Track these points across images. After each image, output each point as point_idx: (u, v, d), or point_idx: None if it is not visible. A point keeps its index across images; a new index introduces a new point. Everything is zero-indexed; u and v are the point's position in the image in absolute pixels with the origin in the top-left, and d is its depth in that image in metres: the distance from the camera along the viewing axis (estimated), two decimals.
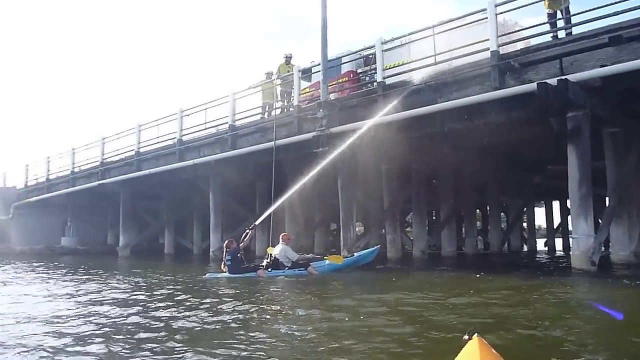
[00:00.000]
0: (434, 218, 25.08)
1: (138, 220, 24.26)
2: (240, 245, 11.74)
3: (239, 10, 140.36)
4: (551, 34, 11.14)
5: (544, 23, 11.43)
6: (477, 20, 12.36)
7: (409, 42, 13.58)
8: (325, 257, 12.35)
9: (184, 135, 19.37)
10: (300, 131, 14.86)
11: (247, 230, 12.34)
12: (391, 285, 9.42)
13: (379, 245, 13.41)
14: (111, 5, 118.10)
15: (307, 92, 16.54)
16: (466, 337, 2.63)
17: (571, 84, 9.65)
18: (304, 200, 20.95)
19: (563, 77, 9.71)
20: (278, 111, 16.74)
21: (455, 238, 18.27)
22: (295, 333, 4.90)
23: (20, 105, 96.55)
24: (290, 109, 16.16)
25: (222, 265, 11.50)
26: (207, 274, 11.41)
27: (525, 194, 22.97)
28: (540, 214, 29.58)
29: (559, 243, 27.54)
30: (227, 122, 17.44)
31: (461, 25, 12.58)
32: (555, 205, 28.04)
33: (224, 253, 11.51)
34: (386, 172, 16.35)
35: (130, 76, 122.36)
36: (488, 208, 24.70)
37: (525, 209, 24.17)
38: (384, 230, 18.93)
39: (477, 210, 24.31)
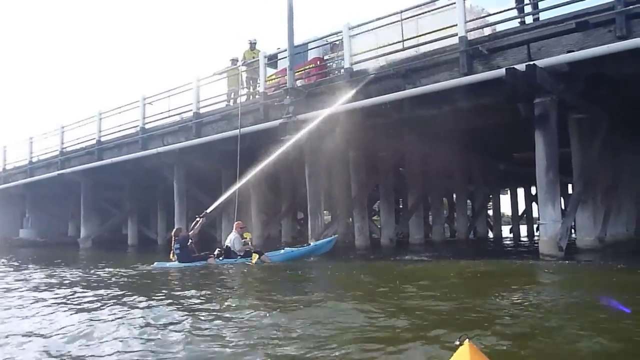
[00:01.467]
0: (400, 206, 25.16)
1: (100, 210, 23.61)
2: (190, 233, 11.50)
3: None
4: (519, 20, 11.09)
5: (511, 8, 11.39)
6: (444, 6, 12.29)
7: (377, 28, 13.39)
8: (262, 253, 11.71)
9: (147, 123, 18.84)
10: (267, 118, 14.59)
11: (197, 218, 12.10)
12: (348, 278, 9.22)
13: (337, 235, 13.26)
14: None
15: (274, 79, 16.25)
16: (457, 342, 2.54)
17: (539, 70, 9.63)
18: (271, 189, 20.82)
19: (531, 63, 9.67)
20: (244, 98, 16.40)
21: (422, 225, 18.31)
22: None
23: None
24: (257, 96, 15.86)
25: (171, 255, 11.22)
26: (155, 264, 11.12)
27: (490, 181, 23.23)
28: (505, 201, 30.03)
29: (523, 230, 28.03)
30: (191, 110, 17.02)
31: (428, 11, 12.48)
32: (520, 192, 28.44)
33: (173, 242, 11.22)
34: (354, 159, 16.22)
35: (92, 62, 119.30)
36: (454, 195, 24.92)
37: (490, 196, 24.44)
38: (351, 219, 18.88)
39: (444, 198, 24.46)
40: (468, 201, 24.43)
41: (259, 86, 15.62)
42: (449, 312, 5.10)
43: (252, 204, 19.83)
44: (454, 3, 11.33)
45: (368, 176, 16.95)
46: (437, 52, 11.53)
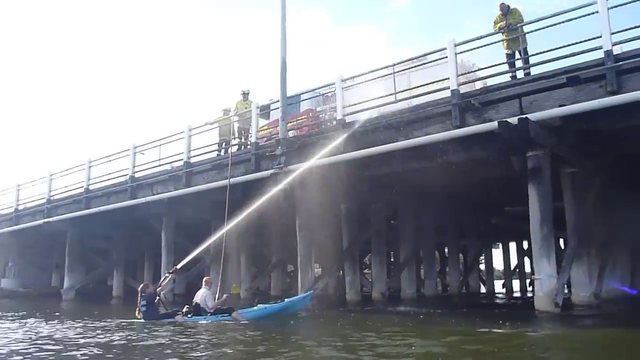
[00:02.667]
0: (392, 260, 24.83)
1: (86, 260, 23.06)
2: (158, 289, 11.10)
3: (198, 46, 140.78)
4: (510, 74, 11.19)
5: (502, 63, 11.52)
6: (436, 60, 12.45)
7: (369, 80, 13.49)
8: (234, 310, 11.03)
9: (137, 172, 18.65)
10: (258, 169, 14.47)
11: (167, 274, 11.74)
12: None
13: (312, 291, 12.70)
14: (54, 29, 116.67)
15: (266, 130, 16.24)
16: None
17: (532, 123, 9.61)
18: (261, 241, 20.51)
19: (523, 116, 9.67)
20: (235, 148, 16.32)
21: (415, 279, 17.98)
22: None
23: None
24: (248, 146, 15.78)
25: (137, 312, 10.77)
26: (122, 322, 10.62)
27: (483, 235, 23.06)
28: (497, 256, 29.77)
29: (516, 284, 27.66)
30: (182, 159, 16.89)
31: (421, 64, 12.61)
32: (512, 246, 28.23)
33: (139, 298, 10.80)
34: (345, 212, 16.03)
35: (82, 108, 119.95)
36: (446, 249, 24.69)
37: (483, 250, 24.22)
38: (341, 272, 18.52)
39: (436, 251, 24.21)
40: (460, 255, 24.20)
41: (250, 136, 15.56)
42: None
43: (241, 256, 19.51)
44: (446, 57, 11.45)
45: (360, 229, 16.71)
46: (430, 105, 11.55)
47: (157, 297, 10.97)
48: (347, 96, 13.42)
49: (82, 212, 20.13)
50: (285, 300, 11.75)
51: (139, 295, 10.82)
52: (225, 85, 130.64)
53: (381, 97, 12.55)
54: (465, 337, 7.60)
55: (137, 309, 10.77)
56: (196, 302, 10.95)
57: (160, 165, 18.07)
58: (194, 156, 16.93)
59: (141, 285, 11.15)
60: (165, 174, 17.65)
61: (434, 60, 12.62)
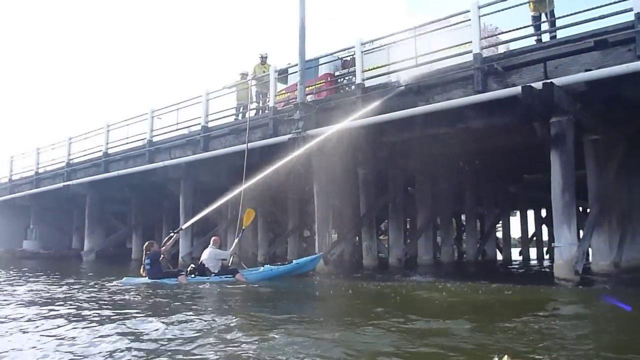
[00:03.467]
0: (408, 226, 24.82)
1: (105, 224, 23.40)
2: (162, 249, 11.16)
3: (217, 8, 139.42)
4: (535, 38, 10.89)
5: (527, 26, 11.18)
6: (458, 23, 12.15)
7: (389, 45, 13.26)
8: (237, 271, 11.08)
9: (154, 136, 18.71)
10: (276, 133, 14.38)
11: (172, 233, 11.79)
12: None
13: (322, 253, 12.72)
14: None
15: (284, 95, 16.12)
16: (496, 358, 2.36)
17: (556, 88, 9.38)
18: (278, 206, 20.60)
19: (548, 81, 9.44)
20: (253, 112, 16.24)
21: (431, 246, 17.98)
22: None
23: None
24: (266, 111, 15.70)
25: (142, 270, 10.88)
26: (124, 279, 10.78)
27: (500, 203, 22.90)
28: (514, 224, 29.62)
29: (533, 253, 27.59)
30: (199, 123, 16.86)
31: (442, 27, 12.32)
32: (530, 214, 28.07)
33: (144, 256, 10.90)
34: (363, 177, 15.96)
35: (101, 73, 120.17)
36: (463, 217, 24.59)
37: (500, 218, 24.09)
38: (357, 238, 18.56)
39: (453, 218, 24.13)
40: (477, 223, 24.10)
41: (268, 101, 15.45)
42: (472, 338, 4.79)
43: (258, 221, 19.61)
44: (469, 20, 11.17)
45: (377, 195, 16.67)
46: (451, 69, 11.32)
47: (162, 256, 11.04)
48: (367, 60, 13.23)
49: (100, 175, 20.34)
50: (293, 261, 11.74)
51: (144, 253, 10.92)
52: (244, 49, 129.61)
53: (402, 60, 12.31)
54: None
55: (142, 266, 10.89)
56: (201, 262, 10.99)
57: (178, 130, 18.09)
58: (212, 120, 16.87)
59: (146, 244, 11.20)
60: (183, 139, 17.67)
61: (456, 23, 12.31)
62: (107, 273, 12.81)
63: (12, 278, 12.15)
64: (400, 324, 5.44)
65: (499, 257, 24.38)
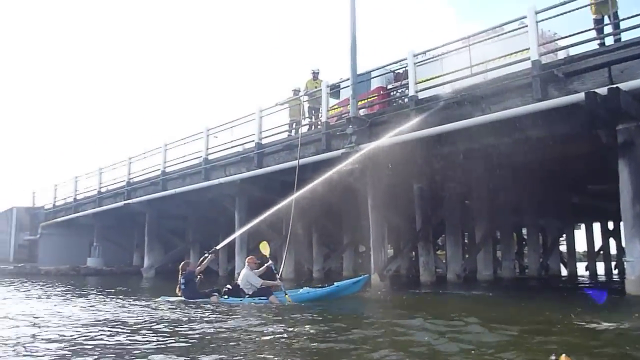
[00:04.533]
0: (466, 241, 24.18)
1: (164, 240, 23.92)
2: (197, 268, 11.12)
3: (268, 26, 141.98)
4: (598, 42, 10.37)
5: (589, 29, 10.66)
6: (514, 30, 11.77)
7: (442, 55, 13.00)
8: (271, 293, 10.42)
9: (210, 154, 19.02)
10: (329, 148, 14.29)
11: (206, 254, 11.71)
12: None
13: (367, 275, 12.08)
14: (130, 18, 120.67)
15: (336, 110, 16.05)
16: (553, 357, 2.21)
17: (623, 93, 8.87)
18: (332, 221, 20.47)
19: (614, 86, 8.94)
20: (305, 128, 16.24)
21: (491, 261, 17.39)
22: None
23: (50, 125, 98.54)
24: (319, 126, 15.66)
25: (177, 289, 10.86)
26: (160, 297, 10.84)
27: (563, 215, 22.00)
28: (578, 237, 28.39)
29: (600, 267, 26.29)
30: (253, 140, 17.00)
31: (497, 35, 11.97)
32: (596, 227, 26.82)
33: (180, 276, 10.90)
34: (418, 191, 15.63)
35: (157, 95, 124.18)
36: (524, 230, 23.77)
37: (564, 230, 23.14)
38: (413, 253, 18.18)
39: (513, 232, 23.33)
40: (539, 236, 23.21)
41: (321, 116, 15.41)
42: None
43: (313, 236, 19.56)
44: (525, 26, 10.79)
45: (433, 209, 16.28)
46: (508, 78, 10.94)
47: (198, 277, 10.99)
48: (420, 72, 12.99)
49: (159, 193, 20.81)
50: (335, 284, 11.02)
51: (180, 273, 10.95)
52: (295, 66, 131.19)
53: (456, 71, 12.01)
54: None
55: (178, 286, 10.92)
56: (236, 283, 10.79)
57: (232, 147, 18.31)
58: (265, 137, 16.98)
59: (182, 263, 11.23)
60: (237, 156, 17.87)
61: (511, 30, 11.94)
62: (163, 289, 12.96)
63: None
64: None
65: (564, 272, 23.36)
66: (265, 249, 11.28)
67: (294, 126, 16.78)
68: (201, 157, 19.14)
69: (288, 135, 16.82)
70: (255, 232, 19.30)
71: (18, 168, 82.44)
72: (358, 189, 14.17)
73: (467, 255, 19.09)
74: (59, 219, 27.82)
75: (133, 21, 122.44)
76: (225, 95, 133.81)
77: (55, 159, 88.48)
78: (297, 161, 14.29)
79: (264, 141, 16.89)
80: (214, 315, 8.21)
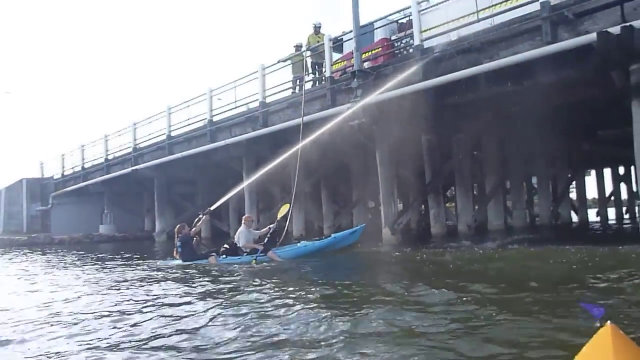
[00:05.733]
0: (475, 192, 24.02)
1: (174, 205, 24.04)
2: (192, 230, 11.13)
3: None
4: None
5: None
6: None
7: (447, 1, 12.58)
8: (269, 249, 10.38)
9: (214, 115, 18.85)
10: (334, 104, 14.07)
11: (200, 215, 11.72)
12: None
13: (364, 225, 11.87)
14: None
15: (340, 64, 15.72)
16: (597, 324, 2.11)
17: (637, 32, 8.56)
18: (340, 178, 20.37)
19: (627, 24, 8.63)
20: (309, 84, 15.97)
21: (502, 211, 17.29)
22: None
23: (53, 93, 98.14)
24: (322, 81, 15.39)
25: (175, 252, 10.91)
26: (159, 262, 10.95)
27: (573, 162, 21.76)
28: (589, 184, 28.15)
29: (611, 213, 26.13)
30: (257, 100, 16.78)
31: None
32: (607, 173, 26.54)
33: (175, 238, 10.91)
34: (427, 144, 15.43)
35: (158, 57, 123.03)
36: (534, 179, 23.56)
37: (574, 178, 22.92)
38: (423, 206, 18.09)
39: (523, 181, 23.14)
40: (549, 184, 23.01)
41: (324, 71, 15.12)
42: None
43: (322, 193, 19.50)
44: None
45: (442, 161, 16.10)
46: (516, 21, 10.59)
47: (195, 238, 11.04)
48: (424, 21, 12.62)
49: (166, 158, 20.76)
50: (332, 235, 11.03)
51: (176, 236, 10.97)
52: (297, 22, 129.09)
53: (461, 17, 11.64)
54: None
55: (175, 249, 10.95)
56: (234, 242, 10.78)
57: (236, 107, 18.12)
58: (269, 95, 16.75)
59: (177, 226, 11.27)
60: (242, 116, 17.68)
61: None
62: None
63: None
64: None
65: (575, 219, 23.25)
66: (282, 211, 11.34)
67: (297, 83, 16.52)
68: (206, 119, 18.97)
69: (292, 92, 16.57)
70: (264, 192, 19.34)
71: (25, 139, 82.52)
72: (366, 144, 14.00)
73: (476, 206, 19.00)
74: (68, 189, 27.89)
75: None
76: (228, 55, 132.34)
77: (60, 127, 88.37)
78: (301, 119, 14.07)
79: (268, 100, 16.66)
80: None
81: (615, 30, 8.74)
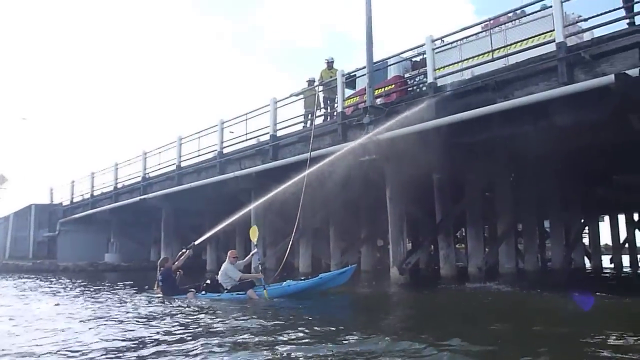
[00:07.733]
0: (485, 234, 23.59)
1: (180, 236, 23.76)
2: (174, 264, 10.91)
3: (285, 25, 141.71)
4: (627, 21, 9.84)
5: (617, 8, 10.12)
6: (536, 12, 11.28)
7: (461, 42, 12.53)
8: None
9: (224, 147, 18.81)
10: (345, 139, 13.92)
11: (184, 250, 11.56)
12: None
13: (355, 265, 11.60)
14: (145, 15, 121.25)
15: (352, 100, 15.65)
16: None
17: None
18: (349, 214, 20.09)
19: None
20: (321, 119, 15.89)
21: (514, 254, 16.87)
22: None
23: (65, 121, 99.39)
24: (334, 117, 15.30)
25: (156, 286, 10.70)
26: (143, 294, 10.87)
27: (587, 206, 21.37)
28: (603, 229, 27.64)
29: (625, 260, 25.56)
30: (268, 133, 16.71)
31: (517, 18, 11.51)
32: (621, 219, 26.07)
33: (158, 271, 10.70)
34: (438, 182, 15.18)
35: (172, 89, 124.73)
36: (546, 223, 23.16)
37: (588, 223, 22.51)
38: (433, 246, 17.73)
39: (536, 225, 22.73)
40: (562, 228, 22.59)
41: (336, 106, 15.04)
42: None
43: (330, 229, 19.19)
44: (547, 7, 10.31)
45: (453, 201, 15.80)
46: (531, 62, 10.46)
47: (177, 273, 10.86)
48: (438, 60, 12.54)
49: (174, 188, 20.68)
50: (319, 275, 10.72)
51: (158, 269, 10.79)
52: (311, 59, 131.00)
53: (476, 56, 11.55)
54: None
55: (156, 282, 10.73)
56: (215, 277, 10.55)
57: (247, 140, 18.06)
58: (281, 129, 16.69)
59: (160, 259, 11.15)
60: (252, 149, 17.61)
61: (532, 13, 11.47)
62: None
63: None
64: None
65: (588, 264, 22.74)
66: (254, 235, 11.11)
67: (309, 117, 16.44)
68: (216, 150, 18.92)
69: (303, 126, 16.49)
70: (271, 226, 19.05)
71: (35, 165, 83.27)
72: (376, 181, 13.79)
73: (487, 248, 18.57)
74: (76, 216, 27.88)
75: (145, 16, 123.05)
76: (240, 90, 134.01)
77: (71, 155, 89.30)
78: (309, 154, 13.94)
79: (279, 133, 16.59)
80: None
81: (634, 72, 8.56)
